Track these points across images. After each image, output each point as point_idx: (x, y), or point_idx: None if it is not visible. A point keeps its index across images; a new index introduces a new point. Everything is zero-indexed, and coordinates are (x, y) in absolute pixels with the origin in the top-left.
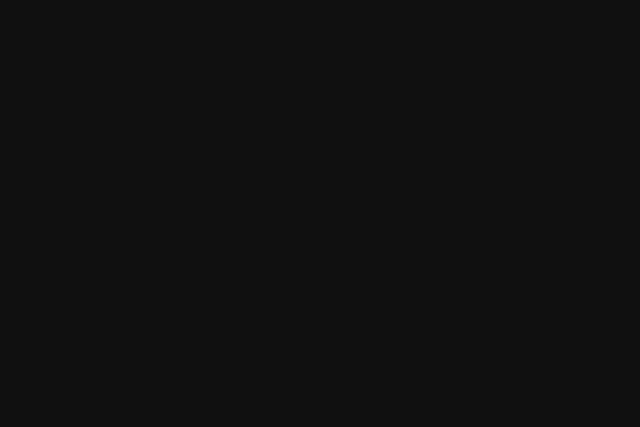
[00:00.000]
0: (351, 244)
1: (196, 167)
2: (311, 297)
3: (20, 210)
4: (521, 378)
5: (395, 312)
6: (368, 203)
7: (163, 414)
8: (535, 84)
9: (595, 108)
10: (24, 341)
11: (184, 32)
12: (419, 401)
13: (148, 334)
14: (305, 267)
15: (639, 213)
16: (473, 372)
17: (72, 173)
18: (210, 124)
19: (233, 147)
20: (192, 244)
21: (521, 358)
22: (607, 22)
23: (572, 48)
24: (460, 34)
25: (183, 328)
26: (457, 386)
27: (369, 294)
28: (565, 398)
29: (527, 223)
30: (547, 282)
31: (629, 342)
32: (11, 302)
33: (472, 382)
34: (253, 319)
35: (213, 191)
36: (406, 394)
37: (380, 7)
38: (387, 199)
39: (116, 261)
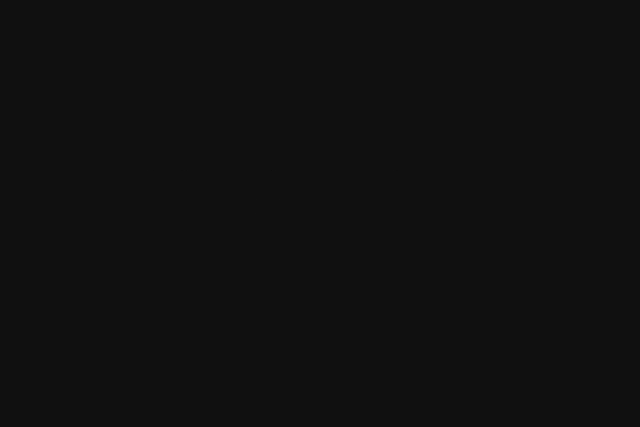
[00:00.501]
0: (351, 244)
1: (196, 167)
2: (311, 297)
3: (20, 210)
4: (521, 378)
5: (395, 312)
6: (368, 203)
7: (163, 415)
8: (535, 84)
9: (595, 108)
10: (24, 341)
11: (184, 32)
12: (419, 401)
13: (148, 334)
14: (305, 267)
15: (639, 213)
16: (473, 372)
17: (72, 173)
18: (210, 125)
19: (233, 147)
20: (192, 244)
21: (521, 358)
22: (607, 22)
23: (572, 48)
24: (460, 34)
25: (183, 328)
26: (457, 386)
27: (369, 294)
28: (565, 398)
29: (527, 223)
30: (547, 282)
31: (629, 342)
32: (11, 302)
33: (472, 383)
34: (253, 319)
35: (213, 191)
36: (406, 394)
37: (380, 7)
38: (387, 199)
39: (116, 261)
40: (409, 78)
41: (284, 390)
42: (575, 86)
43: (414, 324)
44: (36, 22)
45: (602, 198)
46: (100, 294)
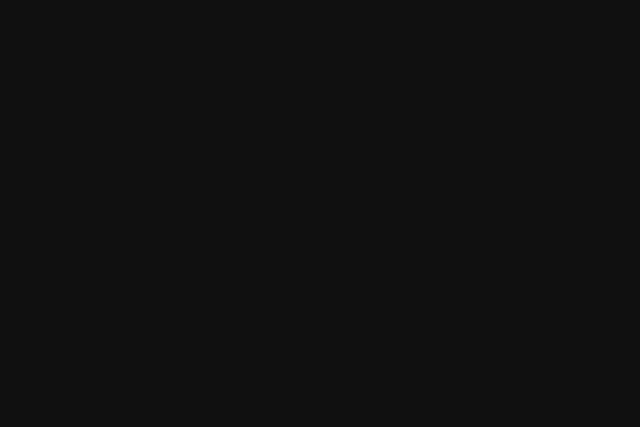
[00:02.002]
0: (351, 244)
1: (196, 167)
2: (311, 297)
3: (20, 210)
4: (521, 378)
5: (395, 312)
6: (368, 203)
7: (163, 415)
8: (535, 84)
9: (595, 108)
10: (24, 341)
11: (184, 32)
12: (419, 401)
13: (148, 334)
14: (305, 267)
15: (639, 213)
16: (473, 372)
17: (72, 173)
18: (210, 125)
19: (233, 147)
20: (192, 244)
21: (521, 358)
22: (607, 22)
23: (572, 48)
24: (460, 34)
25: (183, 328)
26: (457, 386)
27: (369, 294)
28: (565, 398)
29: (527, 223)
30: (547, 282)
31: (629, 342)
32: (11, 302)
33: (472, 383)
34: (253, 319)
35: (213, 191)
36: (406, 394)
37: (380, 7)
38: (387, 199)
39: (116, 261)
40: (409, 78)
41: (284, 391)
42: (575, 86)
43: (414, 324)
44: (36, 22)
45: (602, 198)
46: (100, 294)
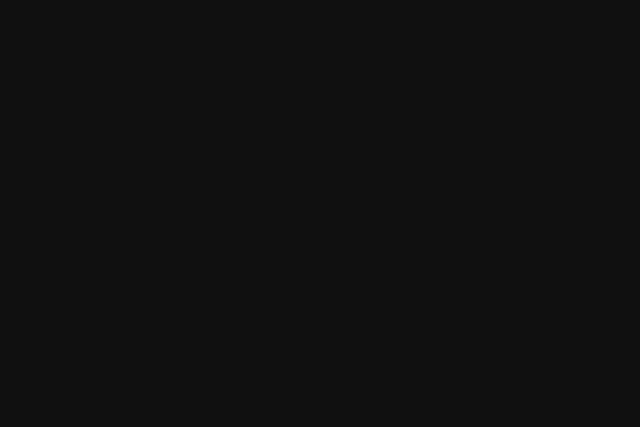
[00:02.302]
0: (351, 244)
1: (196, 167)
2: (311, 297)
3: (20, 210)
4: (521, 378)
5: (395, 312)
6: (368, 203)
7: (163, 415)
8: (535, 85)
9: (595, 108)
10: (24, 341)
11: (184, 32)
12: (419, 401)
13: (148, 334)
14: (305, 267)
15: (639, 213)
16: (473, 372)
17: (72, 173)
18: (210, 125)
19: (233, 147)
20: (192, 244)
21: (521, 358)
22: (607, 22)
23: (572, 48)
24: (460, 34)
25: (183, 328)
26: (457, 386)
27: (369, 294)
28: (565, 398)
29: (527, 223)
30: (547, 282)
31: (629, 342)
32: (11, 302)
33: (472, 383)
34: (253, 319)
35: (213, 191)
36: (406, 394)
37: (380, 7)
38: (387, 199)
39: (115, 261)
40: (409, 78)
41: (284, 391)
42: (575, 86)
43: (414, 324)
44: (36, 22)
45: (602, 198)
46: (100, 294)
